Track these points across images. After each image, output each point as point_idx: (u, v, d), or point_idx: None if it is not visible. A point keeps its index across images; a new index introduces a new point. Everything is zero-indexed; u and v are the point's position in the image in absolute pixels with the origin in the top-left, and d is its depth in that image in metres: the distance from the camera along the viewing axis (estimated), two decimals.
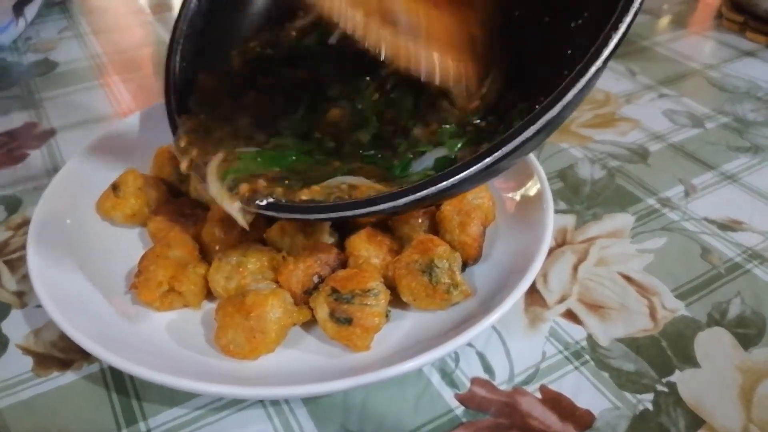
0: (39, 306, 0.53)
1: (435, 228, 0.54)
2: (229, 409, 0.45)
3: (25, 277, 0.56)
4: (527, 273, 0.47)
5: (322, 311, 0.46)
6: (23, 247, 0.59)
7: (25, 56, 0.97)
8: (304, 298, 0.48)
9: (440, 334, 0.47)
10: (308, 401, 0.46)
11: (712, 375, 0.48)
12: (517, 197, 0.59)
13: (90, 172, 0.60)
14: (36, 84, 0.88)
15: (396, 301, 0.49)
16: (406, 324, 0.49)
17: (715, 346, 0.50)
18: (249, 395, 0.43)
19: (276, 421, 0.45)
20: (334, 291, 0.46)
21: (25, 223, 0.63)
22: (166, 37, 1.01)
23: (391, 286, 0.49)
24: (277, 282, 0.49)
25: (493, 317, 0.44)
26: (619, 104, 0.83)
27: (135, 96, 0.85)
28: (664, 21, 1.08)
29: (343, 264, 0.51)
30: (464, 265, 0.52)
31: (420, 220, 0.53)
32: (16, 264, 0.58)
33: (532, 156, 0.60)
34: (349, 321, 0.45)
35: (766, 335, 0.50)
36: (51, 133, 0.77)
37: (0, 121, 0.80)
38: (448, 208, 0.52)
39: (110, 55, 0.97)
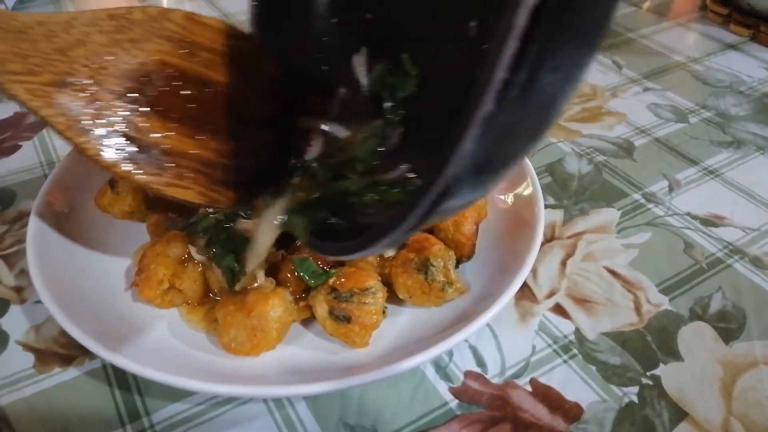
0: (38, 302, 0.53)
1: (429, 226, 0.55)
2: (231, 404, 0.47)
3: (23, 272, 0.57)
4: (520, 271, 0.49)
5: (321, 309, 0.47)
6: (20, 241, 0.60)
7: None
8: (304, 296, 0.49)
9: (435, 330, 0.48)
10: (308, 397, 0.47)
11: (695, 368, 0.50)
12: (509, 194, 0.60)
13: (87, 167, 0.60)
14: None
15: (392, 297, 0.51)
16: (402, 320, 0.51)
17: (697, 340, 0.52)
18: (252, 394, 0.44)
19: (277, 416, 0.46)
20: (333, 290, 0.47)
21: (21, 216, 0.63)
22: None
23: (387, 283, 0.51)
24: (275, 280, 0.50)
25: (489, 315, 0.46)
26: (605, 98, 0.84)
27: None
28: (648, 12, 1.10)
29: (341, 262, 0.52)
30: (458, 262, 0.53)
31: None
32: (13, 259, 0.58)
33: None
34: (347, 319, 0.46)
35: (746, 329, 0.53)
36: (42, 124, 0.77)
37: None
38: None
39: None
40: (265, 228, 0.47)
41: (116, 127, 0.40)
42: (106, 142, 0.40)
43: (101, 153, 0.40)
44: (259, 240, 0.47)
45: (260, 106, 0.48)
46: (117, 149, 0.40)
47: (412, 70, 0.44)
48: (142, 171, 0.41)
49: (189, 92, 0.44)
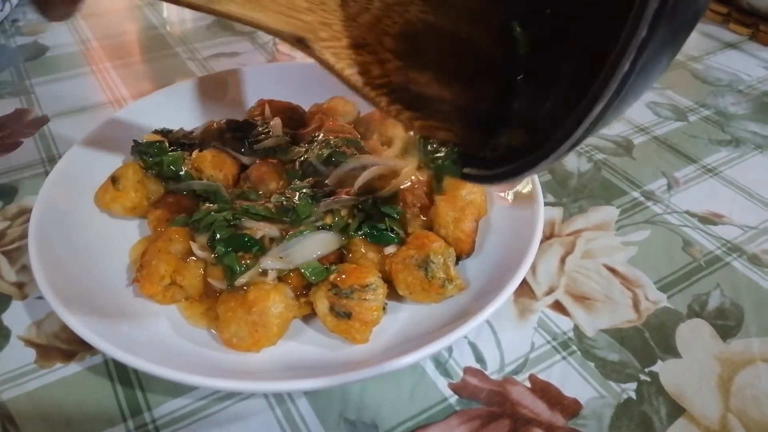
0: (40, 297, 0.54)
1: (429, 223, 0.55)
2: (233, 399, 0.47)
3: (25, 268, 0.57)
4: (519, 268, 0.49)
5: (322, 305, 0.48)
6: (21, 237, 0.60)
7: (12, 39, 0.96)
8: (304, 292, 0.50)
9: (435, 327, 0.48)
10: (308, 392, 0.47)
11: (692, 365, 0.50)
12: (509, 192, 0.60)
13: (88, 163, 0.60)
14: (25, 69, 0.88)
15: (392, 294, 0.51)
16: (402, 316, 0.51)
17: (695, 337, 0.52)
18: (253, 390, 0.45)
19: (278, 411, 0.46)
20: (334, 286, 0.47)
21: (22, 212, 0.63)
22: (155, 21, 1.01)
23: (388, 280, 0.51)
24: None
25: (488, 312, 0.46)
26: None
27: (126, 83, 0.85)
28: None
29: (342, 259, 0.52)
30: (458, 259, 0.54)
31: (416, 214, 0.55)
32: (15, 255, 0.59)
33: None
34: (348, 315, 0.47)
35: (744, 327, 0.53)
36: (43, 120, 0.77)
37: None
38: (442, 203, 0.54)
39: (100, 39, 0.97)
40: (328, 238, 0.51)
41: (398, 82, 0.45)
42: (393, 95, 0.44)
43: (390, 104, 0.44)
44: (314, 250, 0.51)
45: (495, 55, 0.50)
46: (401, 100, 0.45)
47: (522, 37, 0.47)
48: (418, 117, 0.45)
49: (446, 45, 0.48)
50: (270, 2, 0.40)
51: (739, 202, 0.67)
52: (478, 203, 0.57)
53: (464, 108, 0.48)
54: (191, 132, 0.66)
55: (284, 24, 0.41)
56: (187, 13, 1.04)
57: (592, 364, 0.50)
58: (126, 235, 0.58)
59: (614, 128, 0.78)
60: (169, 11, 1.04)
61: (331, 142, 0.60)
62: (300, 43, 0.41)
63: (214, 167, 0.59)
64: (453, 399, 0.47)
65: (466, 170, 0.45)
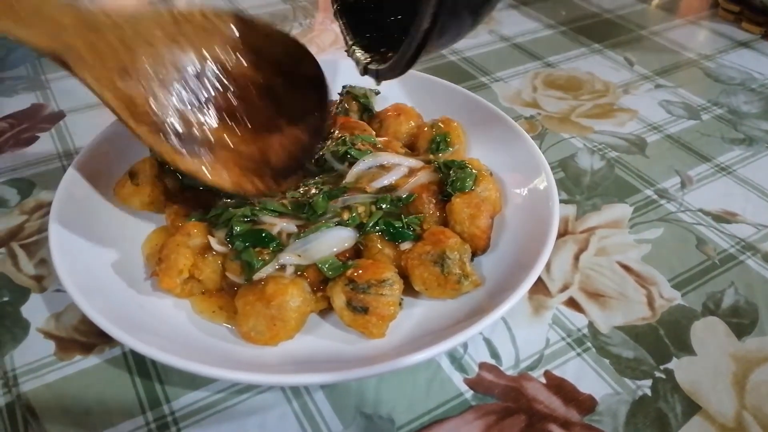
0: (58, 290, 0.54)
1: (445, 220, 0.55)
2: (250, 392, 0.47)
3: (43, 262, 0.58)
4: (535, 266, 0.49)
5: (339, 300, 0.48)
6: (39, 231, 0.61)
7: None
8: (322, 287, 0.50)
9: (451, 322, 0.49)
10: (325, 386, 0.48)
11: (707, 363, 0.50)
12: (524, 189, 0.60)
13: (107, 157, 0.61)
14: (41, 64, 0.88)
15: (408, 289, 0.52)
16: (418, 312, 0.51)
17: (709, 334, 0.53)
18: (271, 383, 0.45)
19: (295, 405, 0.47)
20: (351, 281, 0.48)
21: (39, 206, 0.64)
22: None
23: (404, 276, 0.51)
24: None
25: (504, 308, 0.46)
26: (617, 95, 0.84)
27: None
28: (658, 9, 1.10)
29: (358, 254, 0.53)
30: (473, 256, 0.54)
31: (431, 211, 0.55)
32: (33, 248, 0.59)
33: (536, 147, 0.62)
34: (365, 310, 0.47)
35: (759, 325, 0.53)
36: (60, 115, 0.78)
37: (6, 102, 0.80)
38: (458, 200, 0.54)
39: None
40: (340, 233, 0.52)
41: (170, 118, 0.45)
42: (161, 129, 0.44)
43: (155, 142, 0.44)
44: (331, 246, 0.51)
45: (297, 105, 0.52)
46: (168, 137, 0.45)
47: None
48: (187, 158, 0.46)
49: (235, 90, 0.48)
50: (34, 20, 0.41)
51: (752, 200, 0.67)
52: (493, 200, 0.57)
53: (257, 156, 0.49)
54: None
55: (46, 41, 0.42)
56: None
57: (606, 361, 0.50)
58: (144, 229, 0.58)
59: (627, 126, 0.78)
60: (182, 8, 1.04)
61: (347, 139, 0.61)
62: (59, 61, 0.43)
63: None
64: (469, 394, 0.48)
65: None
